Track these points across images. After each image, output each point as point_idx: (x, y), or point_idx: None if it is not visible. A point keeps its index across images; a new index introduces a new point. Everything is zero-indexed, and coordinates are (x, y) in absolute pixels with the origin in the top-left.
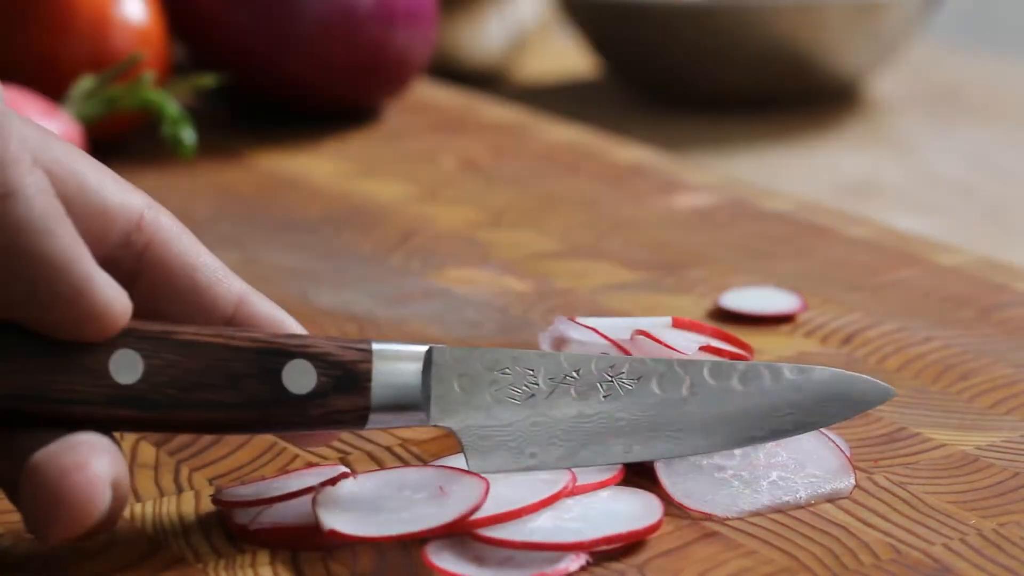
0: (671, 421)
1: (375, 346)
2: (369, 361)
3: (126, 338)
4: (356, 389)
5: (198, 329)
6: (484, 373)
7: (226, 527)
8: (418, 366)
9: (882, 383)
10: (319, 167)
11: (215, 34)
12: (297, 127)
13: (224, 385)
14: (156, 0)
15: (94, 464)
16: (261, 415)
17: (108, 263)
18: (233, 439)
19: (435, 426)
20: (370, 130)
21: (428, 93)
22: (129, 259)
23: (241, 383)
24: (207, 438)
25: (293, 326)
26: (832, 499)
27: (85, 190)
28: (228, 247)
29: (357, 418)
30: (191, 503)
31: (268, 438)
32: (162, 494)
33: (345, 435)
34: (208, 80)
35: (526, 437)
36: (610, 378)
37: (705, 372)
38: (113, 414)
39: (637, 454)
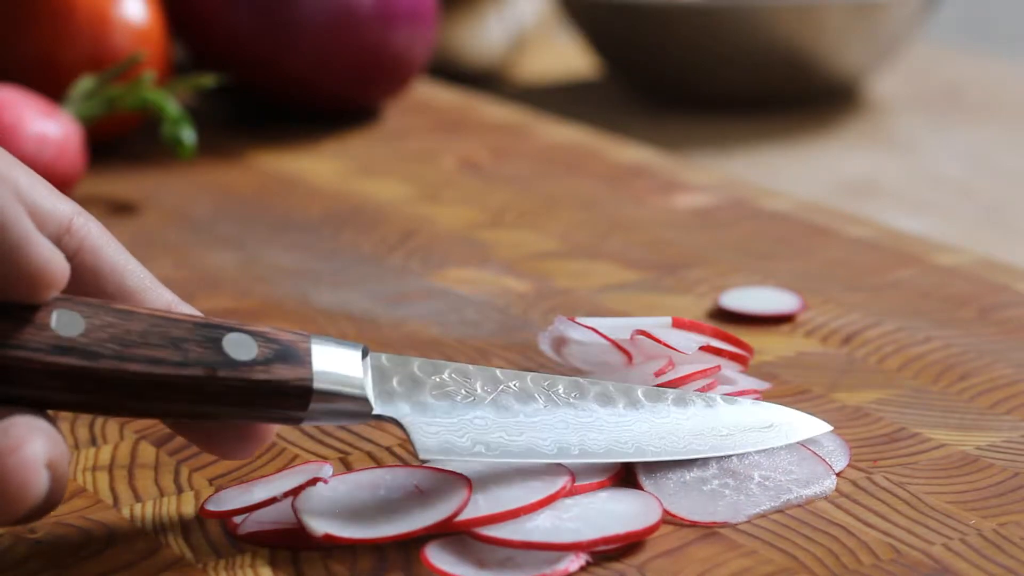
0: (608, 426)
1: (313, 337)
2: (307, 342)
3: (65, 302)
4: (298, 361)
5: (135, 307)
6: (423, 376)
7: (226, 527)
8: (356, 354)
9: (818, 419)
10: (319, 167)
11: (215, 34)
12: (297, 127)
13: (166, 345)
14: (156, 0)
15: (28, 446)
16: (206, 375)
17: None
18: None
19: (379, 417)
20: (370, 130)
21: (428, 93)
22: None
23: (183, 345)
24: None
25: None
26: (823, 493)
27: (19, 191)
28: (228, 247)
29: (299, 400)
30: (191, 503)
31: None
32: (162, 494)
33: (345, 435)
34: (208, 80)
35: (470, 429)
36: (547, 390)
37: (640, 394)
38: (55, 363)
39: (579, 454)
